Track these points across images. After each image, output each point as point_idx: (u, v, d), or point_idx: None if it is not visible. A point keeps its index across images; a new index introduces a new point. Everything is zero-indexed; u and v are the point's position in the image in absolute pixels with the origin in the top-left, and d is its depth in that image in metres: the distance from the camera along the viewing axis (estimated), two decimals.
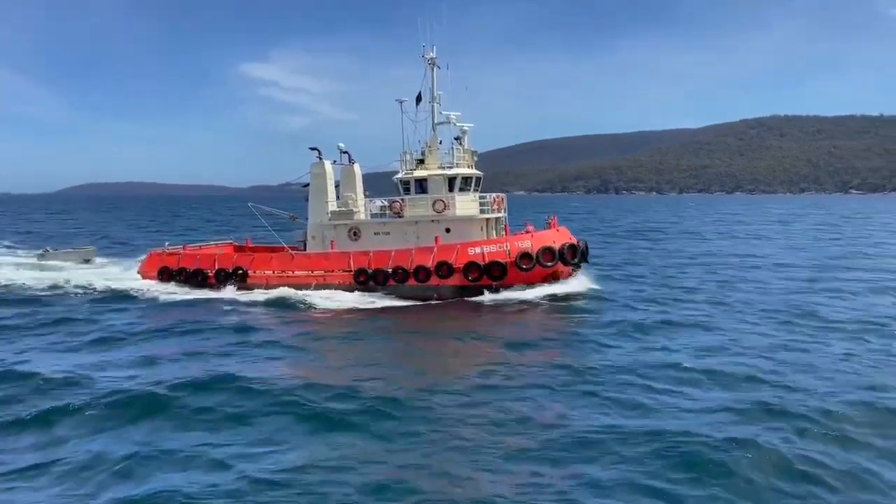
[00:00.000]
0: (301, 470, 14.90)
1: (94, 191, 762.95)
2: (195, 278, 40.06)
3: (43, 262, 50.62)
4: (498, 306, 33.82)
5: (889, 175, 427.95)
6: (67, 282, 41.50)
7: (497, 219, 39.66)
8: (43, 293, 39.05)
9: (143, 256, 44.76)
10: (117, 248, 65.41)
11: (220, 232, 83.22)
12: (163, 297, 37.60)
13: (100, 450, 16.09)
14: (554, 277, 36.39)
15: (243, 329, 29.74)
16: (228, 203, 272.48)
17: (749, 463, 14.88)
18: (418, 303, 35.18)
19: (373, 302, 35.49)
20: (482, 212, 38.38)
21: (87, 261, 53.40)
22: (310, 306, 34.99)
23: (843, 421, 17.36)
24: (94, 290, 39.88)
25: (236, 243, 48.20)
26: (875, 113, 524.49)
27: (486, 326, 30.46)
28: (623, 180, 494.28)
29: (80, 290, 39.62)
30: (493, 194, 39.69)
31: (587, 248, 38.67)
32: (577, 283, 37.01)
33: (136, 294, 38.59)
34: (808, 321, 29.93)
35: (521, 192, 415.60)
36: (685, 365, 22.57)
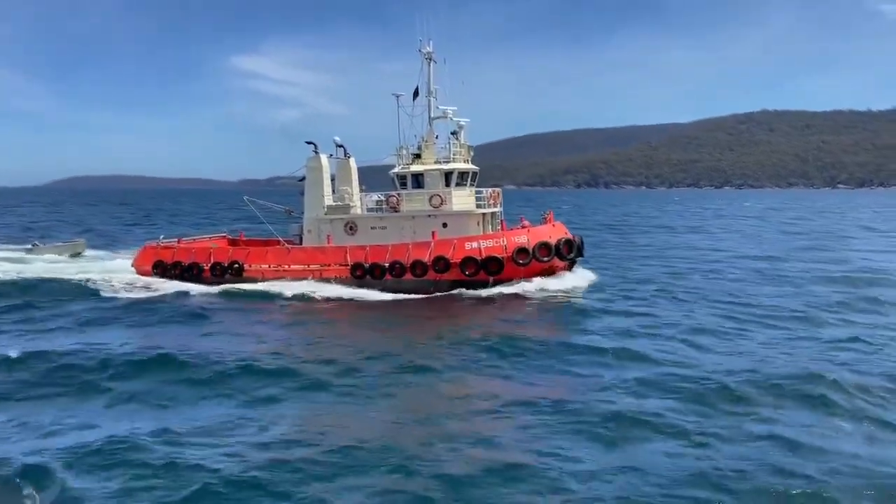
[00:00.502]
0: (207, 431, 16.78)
1: (81, 184, 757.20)
2: (190, 272, 39.91)
3: (31, 257, 50.25)
4: (456, 297, 34.98)
5: (876, 170, 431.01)
6: (53, 274, 41.08)
7: (493, 213, 39.79)
8: (28, 285, 38.51)
9: (138, 249, 44.59)
10: (99, 241, 64.91)
11: (200, 225, 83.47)
12: (152, 290, 37.58)
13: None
14: (550, 272, 36.56)
15: (200, 316, 31.35)
16: (216, 197, 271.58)
17: (625, 431, 16.45)
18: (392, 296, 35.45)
19: (321, 292, 36.04)
20: (478, 206, 38.49)
21: (77, 254, 53.08)
22: (284, 297, 35.54)
23: (732, 396, 18.87)
24: (84, 282, 39.43)
25: (230, 237, 48.12)
26: (863, 108, 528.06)
27: (433, 314, 32.04)
28: (613, 175, 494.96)
29: (65, 283, 39.07)
30: (489, 189, 39.84)
31: (582, 243, 38.86)
32: (574, 277, 37.25)
33: (127, 286, 38.42)
34: (744, 309, 31.33)
35: (512, 186, 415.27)
36: (605, 347, 24.13)
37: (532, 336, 26.42)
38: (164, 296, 36.37)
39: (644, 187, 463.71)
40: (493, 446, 15.67)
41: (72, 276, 40.54)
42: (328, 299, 35.09)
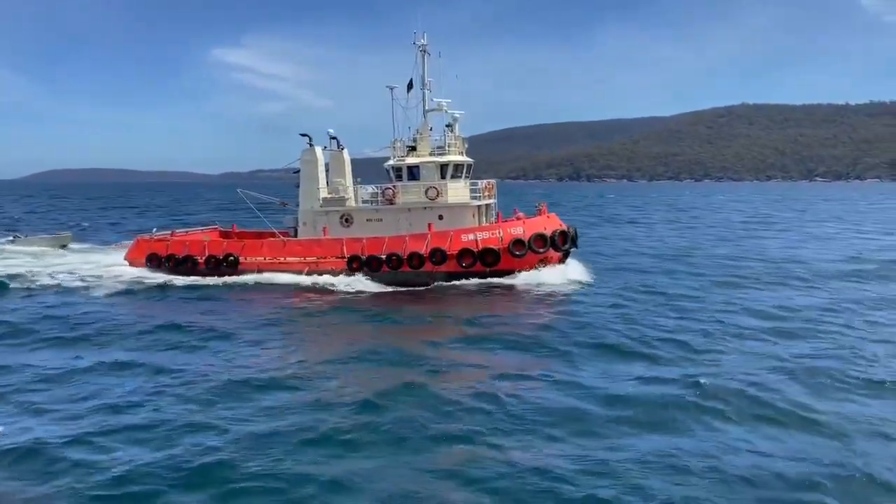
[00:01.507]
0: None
1: (61, 177, 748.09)
2: (185, 265, 39.79)
3: (13, 249, 48.91)
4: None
5: (852, 163, 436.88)
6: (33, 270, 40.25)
7: (487, 205, 40.03)
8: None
9: (130, 242, 44.28)
10: (79, 234, 64.17)
11: (178, 217, 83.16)
12: (147, 282, 37.72)
13: None
14: (544, 263, 36.84)
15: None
16: (196, 190, 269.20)
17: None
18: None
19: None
20: (473, 198, 38.69)
21: (63, 247, 52.05)
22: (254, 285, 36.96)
23: (539, 343, 23.89)
24: (78, 275, 39.04)
25: (222, 229, 47.93)
26: (841, 102, 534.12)
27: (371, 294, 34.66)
28: (595, 168, 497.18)
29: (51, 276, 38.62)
30: (484, 181, 40.07)
31: (577, 234, 39.16)
32: (567, 268, 37.59)
33: (123, 279, 38.22)
34: (637, 291, 34.32)
35: (496, 180, 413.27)
36: (486, 318, 28.00)
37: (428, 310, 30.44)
38: (162, 287, 36.61)
39: (626, 180, 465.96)
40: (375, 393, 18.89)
41: (71, 270, 40.13)
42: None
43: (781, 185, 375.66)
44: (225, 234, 45.54)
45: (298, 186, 40.62)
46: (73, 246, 52.75)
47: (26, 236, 54.30)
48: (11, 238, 52.69)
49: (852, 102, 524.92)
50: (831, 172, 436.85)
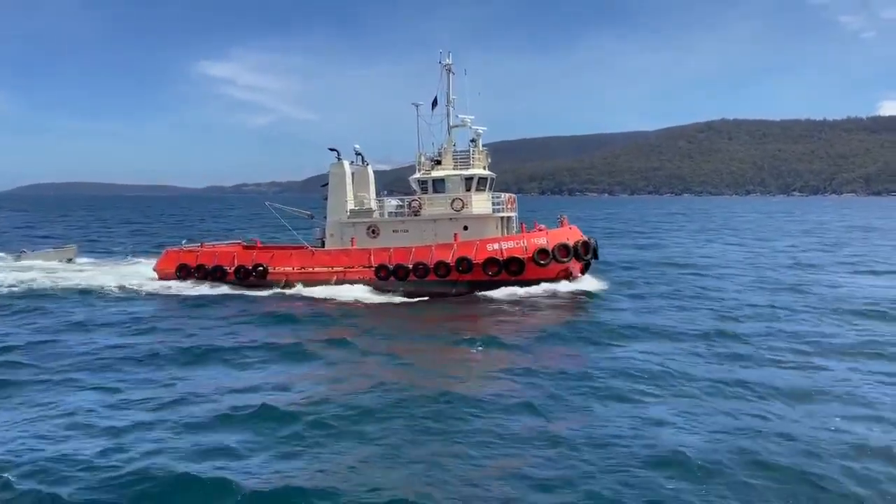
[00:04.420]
0: None
1: (42, 191, 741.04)
2: (214, 275, 40.90)
3: (20, 264, 49.28)
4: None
5: (829, 178, 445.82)
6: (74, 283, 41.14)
7: (509, 218, 41.58)
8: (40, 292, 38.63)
9: (160, 254, 45.25)
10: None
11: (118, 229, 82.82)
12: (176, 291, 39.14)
13: None
14: (567, 273, 38.44)
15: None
16: (180, 203, 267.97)
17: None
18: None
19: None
20: (496, 210, 40.23)
21: (69, 260, 52.38)
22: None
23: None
24: (114, 287, 40.05)
25: (245, 243, 48.98)
26: (819, 117, 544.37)
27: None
28: (576, 182, 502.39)
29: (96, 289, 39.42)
30: (506, 194, 41.69)
31: (597, 244, 40.79)
32: (589, 278, 39.26)
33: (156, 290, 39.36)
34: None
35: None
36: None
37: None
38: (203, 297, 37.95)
39: (607, 195, 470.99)
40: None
41: (107, 283, 40.77)
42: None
43: (759, 199, 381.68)
44: (249, 248, 46.61)
45: (326, 199, 42.05)
46: (78, 259, 52.93)
47: (31, 251, 54.48)
48: (18, 254, 52.96)
49: (829, 118, 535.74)
50: (808, 187, 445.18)
